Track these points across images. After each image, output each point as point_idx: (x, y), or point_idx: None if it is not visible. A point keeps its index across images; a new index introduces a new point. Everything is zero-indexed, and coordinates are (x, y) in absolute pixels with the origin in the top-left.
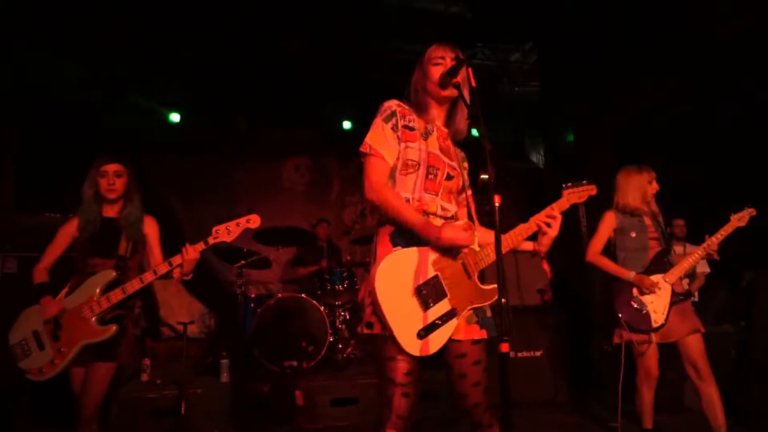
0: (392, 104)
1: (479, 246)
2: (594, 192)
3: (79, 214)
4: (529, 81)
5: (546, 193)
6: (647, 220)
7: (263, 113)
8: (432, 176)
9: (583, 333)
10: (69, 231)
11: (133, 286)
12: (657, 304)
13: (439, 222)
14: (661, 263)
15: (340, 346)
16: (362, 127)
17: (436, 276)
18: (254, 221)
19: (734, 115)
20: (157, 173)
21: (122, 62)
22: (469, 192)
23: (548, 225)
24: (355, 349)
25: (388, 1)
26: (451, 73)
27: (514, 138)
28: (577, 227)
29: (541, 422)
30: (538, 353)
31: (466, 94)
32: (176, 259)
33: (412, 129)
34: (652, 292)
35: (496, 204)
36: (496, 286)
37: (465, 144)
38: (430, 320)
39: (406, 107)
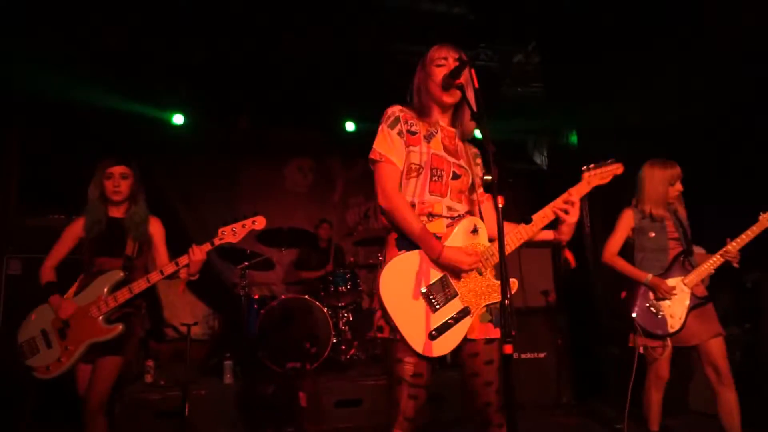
0: (395, 110)
1: (490, 241)
2: (620, 171)
3: (86, 215)
4: (532, 82)
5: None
6: (667, 219)
7: (266, 114)
8: (437, 178)
9: (587, 335)
10: (75, 231)
11: (140, 285)
12: (675, 308)
13: (445, 223)
14: (681, 265)
15: (344, 347)
16: (365, 128)
17: (444, 276)
18: (260, 223)
19: (738, 116)
20: (160, 174)
21: (125, 63)
22: (480, 190)
23: (566, 212)
24: (359, 350)
25: (391, 2)
26: (454, 74)
27: (517, 139)
28: (580, 227)
29: (545, 424)
30: (541, 355)
31: (469, 94)
32: (182, 260)
33: (414, 133)
34: (668, 297)
35: (500, 205)
36: (512, 280)
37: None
38: (441, 320)
39: (408, 111)
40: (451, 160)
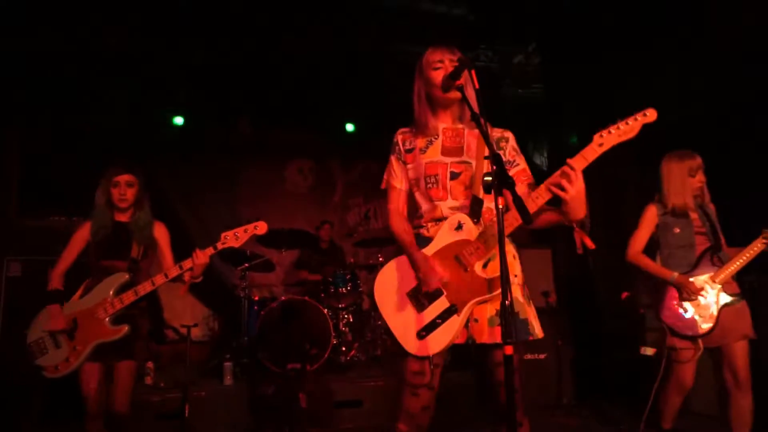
0: (397, 135)
1: (479, 235)
2: (652, 117)
3: (92, 220)
4: (532, 83)
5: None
6: (693, 214)
7: (266, 116)
8: (432, 184)
9: (587, 335)
10: (82, 235)
11: (145, 288)
12: (704, 308)
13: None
14: (710, 261)
15: (344, 348)
16: (365, 129)
17: None
18: (261, 228)
19: (738, 116)
20: (160, 175)
21: (126, 65)
22: (513, 171)
23: (561, 188)
24: (359, 351)
25: (391, 3)
26: (454, 75)
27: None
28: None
29: (546, 425)
30: (542, 356)
31: (469, 94)
32: (186, 263)
33: (411, 150)
34: (695, 297)
35: (500, 206)
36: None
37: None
38: (428, 320)
39: (407, 132)
40: (449, 160)
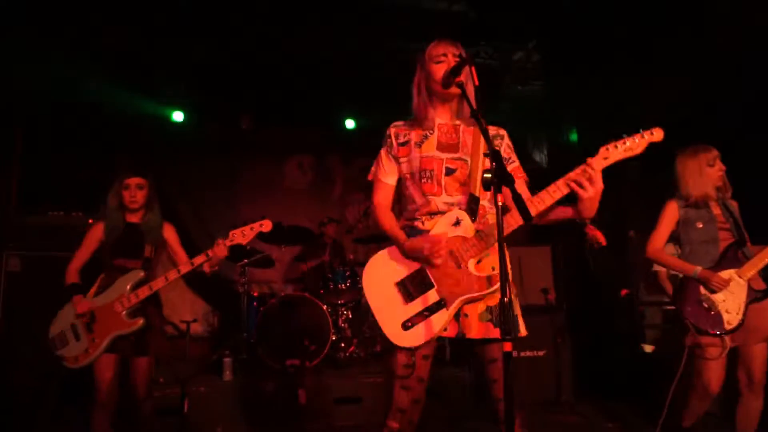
0: (390, 129)
1: (476, 231)
2: (659, 137)
3: (105, 221)
4: (532, 80)
5: None
6: (716, 209)
7: (266, 112)
8: (426, 179)
9: (586, 333)
10: (96, 235)
11: (158, 283)
12: (730, 303)
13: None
14: (735, 257)
15: (343, 344)
16: (365, 125)
17: (421, 268)
18: (266, 226)
19: (737, 116)
20: (159, 171)
21: (124, 61)
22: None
23: (581, 186)
24: (358, 348)
25: (391, 0)
26: (455, 71)
27: (517, 137)
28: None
29: (544, 422)
30: (541, 353)
31: (469, 91)
32: (198, 260)
33: (405, 143)
34: (720, 289)
35: (500, 203)
36: (494, 273)
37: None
38: (415, 311)
39: (401, 125)
40: (444, 156)
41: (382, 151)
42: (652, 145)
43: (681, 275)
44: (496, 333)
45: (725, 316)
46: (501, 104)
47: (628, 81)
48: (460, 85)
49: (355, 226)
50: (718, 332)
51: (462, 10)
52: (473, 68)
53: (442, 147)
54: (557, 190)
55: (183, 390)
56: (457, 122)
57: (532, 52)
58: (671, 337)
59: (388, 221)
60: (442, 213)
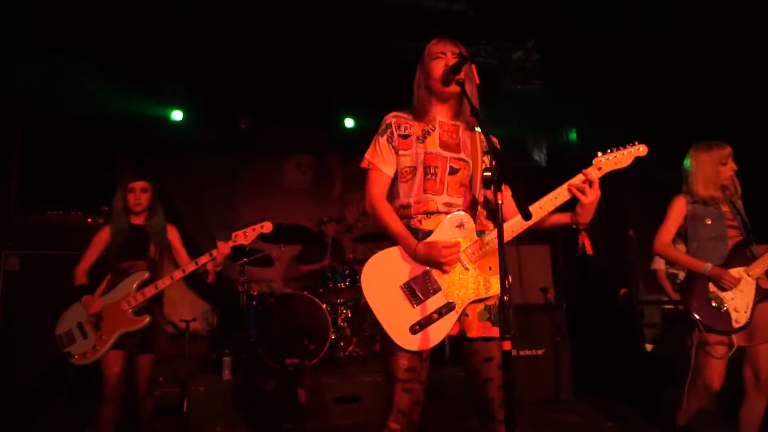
0: (389, 117)
1: (480, 234)
2: (643, 152)
3: (112, 223)
4: (532, 79)
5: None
6: (724, 207)
7: (266, 111)
8: (431, 176)
9: (586, 332)
10: (103, 237)
11: (164, 282)
12: (739, 302)
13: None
14: (743, 255)
15: (342, 343)
16: (365, 125)
17: (427, 270)
18: (267, 227)
19: (737, 116)
20: (158, 170)
21: (124, 61)
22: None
23: (582, 192)
24: (357, 347)
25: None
26: (454, 69)
27: (516, 136)
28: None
29: (543, 421)
30: (540, 352)
31: (469, 90)
32: (201, 259)
33: (406, 136)
34: (731, 288)
35: (499, 201)
36: (497, 273)
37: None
38: (424, 314)
39: (402, 116)
40: (448, 155)
41: (381, 139)
42: (651, 145)
43: (685, 272)
44: (494, 332)
45: (734, 315)
46: (500, 103)
47: (628, 80)
48: (460, 83)
49: (355, 225)
50: (725, 329)
51: (462, 9)
52: (473, 67)
53: (444, 145)
54: (559, 195)
55: (182, 389)
56: (457, 123)
57: (531, 52)
58: (671, 335)
59: (392, 217)
60: (440, 213)
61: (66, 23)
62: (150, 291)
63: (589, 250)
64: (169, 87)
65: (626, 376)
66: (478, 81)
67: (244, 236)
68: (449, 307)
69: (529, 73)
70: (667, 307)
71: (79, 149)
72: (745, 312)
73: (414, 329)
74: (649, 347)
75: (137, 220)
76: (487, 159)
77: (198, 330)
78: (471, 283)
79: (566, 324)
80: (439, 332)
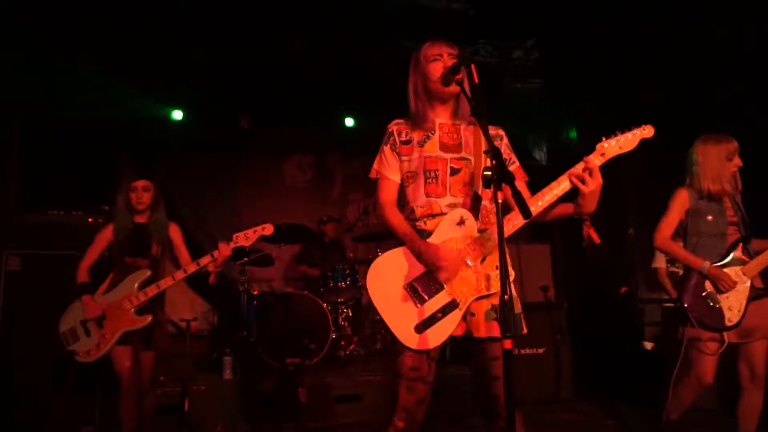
0: (391, 125)
1: (478, 233)
2: (650, 133)
3: (114, 222)
4: (532, 78)
5: None
6: (727, 202)
7: (266, 111)
8: (431, 179)
9: (586, 330)
10: (106, 235)
11: (167, 282)
12: (733, 300)
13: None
14: (741, 253)
15: (343, 343)
16: (365, 124)
17: (430, 270)
18: (268, 229)
19: (737, 116)
20: (158, 170)
21: (124, 60)
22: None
23: (582, 181)
24: (358, 346)
25: None
26: (454, 69)
27: (516, 135)
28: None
29: (544, 420)
30: (540, 350)
31: (468, 89)
32: (203, 260)
33: (408, 142)
34: (728, 290)
35: (499, 200)
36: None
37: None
38: (428, 313)
39: (403, 123)
40: (449, 156)
41: (386, 148)
42: (651, 145)
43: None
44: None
45: (727, 314)
46: (500, 102)
47: (628, 79)
48: (460, 83)
49: (355, 224)
50: (717, 327)
51: (461, 8)
52: (473, 66)
53: (445, 147)
54: (559, 186)
55: (183, 388)
56: (457, 122)
57: (531, 50)
58: (671, 333)
59: (399, 220)
60: (444, 215)
61: (66, 23)
62: (152, 291)
63: (596, 239)
64: (169, 87)
65: (626, 374)
66: (477, 80)
67: (245, 238)
68: (452, 305)
69: (529, 71)
70: (668, 305)
71: (79, 149)
72: (738, 311)
73: (419, 328)
74: (649, 345)
75: (140, 219)
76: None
77: (199, 329)
78: (473, 280)
79: (566, 323)
80: (443, 331)
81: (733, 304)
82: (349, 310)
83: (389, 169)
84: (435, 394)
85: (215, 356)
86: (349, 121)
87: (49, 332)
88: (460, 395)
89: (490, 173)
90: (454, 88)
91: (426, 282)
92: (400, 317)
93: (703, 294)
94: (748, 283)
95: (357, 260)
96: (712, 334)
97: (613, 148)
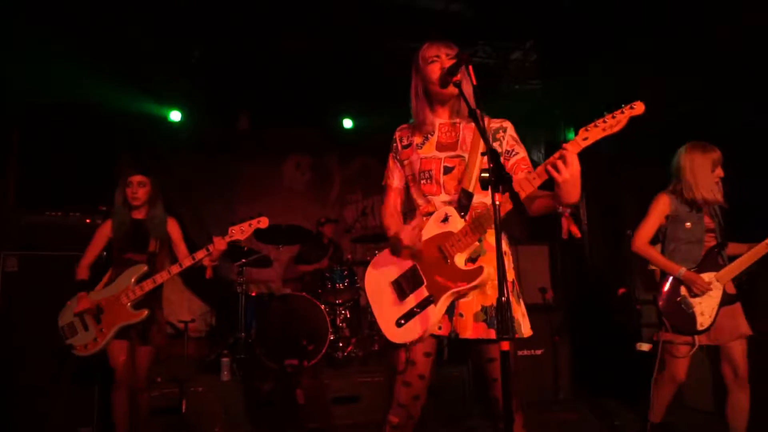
0: (395, 133)
1: (472, 219)
2: (640, 110)
3: (113, 218)
4: (530, 79)
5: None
6: (706, 211)
7: (264, 111)
8: (426, 179)
9: (584, 331)
10: (105, 232)
11: (162, 276)
12: (705, 305)
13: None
14: (714, 260)
15: (341, 344)
16: (363, 125)
17: (414, 266)
18: (263, 222)
19: (737, 116)
20: (157, 170)
21: (123, 61)
22: (509, 163)
23: (556, 169)
24: (356, 347)
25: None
26: (452, 70)
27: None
28: (577, 224)
29: (542, 421)
30: (539, 352)
31: (466, 90)
32: (198, 254)
33: (408, 146)
34: (702, 294)
35: (497, 202)
36: (479, 266)
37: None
38: (408, 308)
39: (406, 127)
40: (443, 155)
41: (390, 156)
42: (650, 145)
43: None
44: (490, 333)
45: (699, 318)
46: (499, 103)
47: (627, 81)
48: (458, 85)
49: (353, 225)
50: (690, 330)
51: (460, 9)
52: (471, 67)
53: (441, 147)
54: (536, 176)
55: (181, 390)
56: (457, 120)
57: (529, 52)
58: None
59: (387, 220)
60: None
61: (65, 23)
62: (148, 285)
63: (576, 233)
64: (167, 87)
65: (624, 375)
66: (475, 82)
67: (241, 231)
68: (428, 300)
69: (528, 73)
70: None
71: (78, 149)
72: (710, 316)
73: (399, 323)
74: (646, 347)
75: (138, 215)
76: (497, 145)
77: (197, 331)
78: (451, 276)
79: (565, 324)
80: (420, 325)
81: (705, 309)
82: (348, 312)
83: (392, 176)
84: (432, 395)
85: (213, 358)
86: (348, 123)
87: (47, 333)
88: (457, 395)
89: (487, 175)
90: (452, 89)
91: (409, 278)
92: (386, 313)
93: (678, 299)
94: (722, 289)
95: (355, 261)
96: (685, 337)
97: (597, 130)
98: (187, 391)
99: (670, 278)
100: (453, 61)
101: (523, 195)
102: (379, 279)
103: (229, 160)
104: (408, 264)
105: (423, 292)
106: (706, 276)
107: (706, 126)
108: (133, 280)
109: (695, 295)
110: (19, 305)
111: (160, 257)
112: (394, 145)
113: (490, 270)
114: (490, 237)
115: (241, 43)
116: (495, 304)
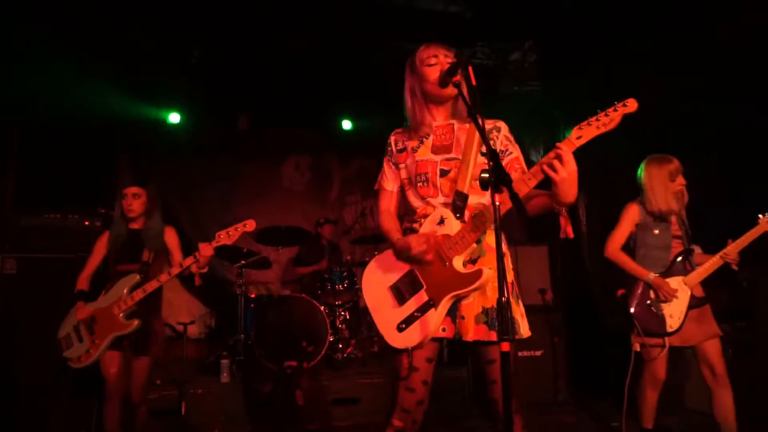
0: (390, 137)
1: (472, 216)
2: (633, 107)
3: (111, 230)
4: (529, 80)
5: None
6: (672, 218)
7: (264, 112)
8: (422, 182)
9: (584, 333)
10: (103, 243)
11: (152, 285)
12: (674, 308)
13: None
14: (682, 265)
15: (341, 345)
16: (362, 126)
17: (412, 270)
18: (250, 225)
19: (736, 115)
20: (156, 172)
21: (122, 61)
22: (505, 162)
23: (553, 168)
24: (355, 348)
25: (388, 0)
26: (451, 71)
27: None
28: (576, 225)
29: (542, 422)
30: (538, 353)
31: (465, 91)
32: (186, 261)
33: (403, 150)
34: (669, 299)
35: (497, 203)
36: (478, 268)
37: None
38: (408, 313)
39: (401, 131)
40: (438, 158)
41: (384, 160)
42: (651, 145)
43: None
44: (491, 335)
45: (668, 320)
46: (498, 104)
47: (626, 82)
48: (457, 85)
49: (353, 227)
50: (659, 332)
51: (459, 10)
52: (470, 68)
53: (436, 149)
54: (532, 177)
55: (180, 391)
56: (452, 121)
57: (529, 53)
58: None
59: (387, 223)
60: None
61: (65, 23)
62: (138, 294)
63: (570, 234)
64: (166, 88)
65: (624, 376)
66: (474, 82)
67: (227, 236)
68: (428, 304)
69: (527, 74)
70: None
71: (77, 152)
72: (678, 318)
73: (400, 327)
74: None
75: (135, 225)
76: (495, 143)
77: (196, 333)
78: (450, 279)
79: (564, 325)
80: (421, 330)
81: (674, 312)
82: (347, 313)
83: (386, 180)
84: (432, 396)
85: (212, 359)
86: (347, 124)
87: (46, 335)
88: (457, 397)
89: (487, 176)
90: (451, 90)
91: (408, 282)
92: (385, 318)
93: (648, 302)
94: (689, 293)
95: (354, 263)
96: (656, 339)
97: (591, 129)
98: (187, 392)
99: (641, 283)
100: (451, 62)
101: (520, 196)
102: (376, 283)
103: (229, 161)
104: (405, 268)
105: (423, 297)
106: (674, 280)
107: (706, 126)
108: (125, 290)
109: (663, 300)
110: (17, 307)
111: (156, 266)
112: (389, 148)
113: (489, 272)
114: (489, 238)
115: (241, 43)
116: (495, 305)
